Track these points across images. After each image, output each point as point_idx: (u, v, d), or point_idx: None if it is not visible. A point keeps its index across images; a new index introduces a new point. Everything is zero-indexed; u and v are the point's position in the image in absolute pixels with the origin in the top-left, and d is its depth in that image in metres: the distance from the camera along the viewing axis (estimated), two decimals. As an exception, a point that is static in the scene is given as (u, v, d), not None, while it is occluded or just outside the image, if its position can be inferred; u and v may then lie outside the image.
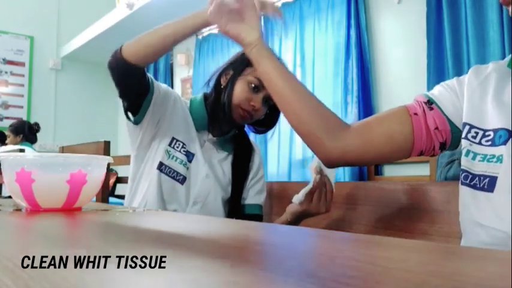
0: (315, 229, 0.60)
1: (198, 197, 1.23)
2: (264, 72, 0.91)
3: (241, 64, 1.22)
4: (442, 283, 0.28)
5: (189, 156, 1.24)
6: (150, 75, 1.21)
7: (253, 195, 1.32)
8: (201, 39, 4.67)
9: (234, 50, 4.25)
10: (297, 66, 3.60)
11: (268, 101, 1.22)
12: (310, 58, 3.53)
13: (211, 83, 1.28)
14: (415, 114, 0.82)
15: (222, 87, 1.24)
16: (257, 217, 1.31)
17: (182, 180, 1.22)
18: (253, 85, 1.19)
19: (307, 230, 0.63)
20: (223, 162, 1.30)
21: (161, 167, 1.21)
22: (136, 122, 1.22)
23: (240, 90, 1.20)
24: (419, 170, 2.75)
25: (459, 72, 2.55)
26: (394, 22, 3.09)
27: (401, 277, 0.30)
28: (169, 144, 1.23)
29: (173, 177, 1.21)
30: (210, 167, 1.27)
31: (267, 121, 1.31)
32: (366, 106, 3.08)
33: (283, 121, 1.25)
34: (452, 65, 2.60)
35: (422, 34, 2.79)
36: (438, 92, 0.83)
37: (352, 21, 3.19)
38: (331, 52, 3.35)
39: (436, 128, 0.80)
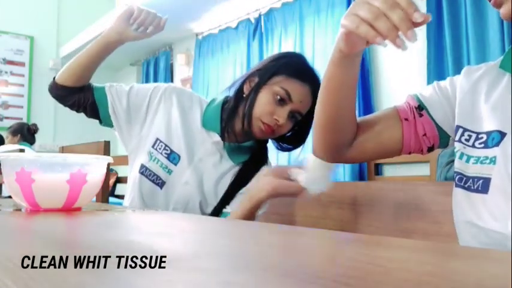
0: (314, 229, 0.60)
1: (177, 203, 1.15)
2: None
3: (268, 71, 1.09)
4: (442, 283, 0.28)
5: (175, 158, 1.16)
6: (103, 84, 1.22)
7: (234, 203, 1.14)
8: (201, 39, 4.67)
9: (234, 50, 4.28)
10: (297, 66, 3.60)
11: (295, 116, 1.09)
12: (310, 58, 3.52)
13: (233, 89, 1.17)
14: (406, 119, 0.83)
15: (243, 95, 1.13)
16: None
17: (161, 184, 1.15)
18: (279, 97, 1.06)
19: (307, 230, 0.63)
20: (223, 174, 1.17)
21: (142, 169, 1.15)
22: (108, 125, 1.22)
23: (263, 101, 1.07)
24: (419, 170, 2.75)
25: (459, 72, 2.52)
26: (394, 22, 3.08)
27: (401, 277, 0.30)
28: (153, 146, 1.17)
29: (153, 181, 1.15)
30: (196, 173, 1.15)
31: (294, 138, 1.17)
32: (366, 106, 3.08)
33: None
34: (452, 65, 2.60)
35: (422, 34, 2.79)
36: (429, 95, 0.83)
37: (352, 22, 3.19)
38: (331, 52, 3.34)
39: (424, 135, 0.82)
